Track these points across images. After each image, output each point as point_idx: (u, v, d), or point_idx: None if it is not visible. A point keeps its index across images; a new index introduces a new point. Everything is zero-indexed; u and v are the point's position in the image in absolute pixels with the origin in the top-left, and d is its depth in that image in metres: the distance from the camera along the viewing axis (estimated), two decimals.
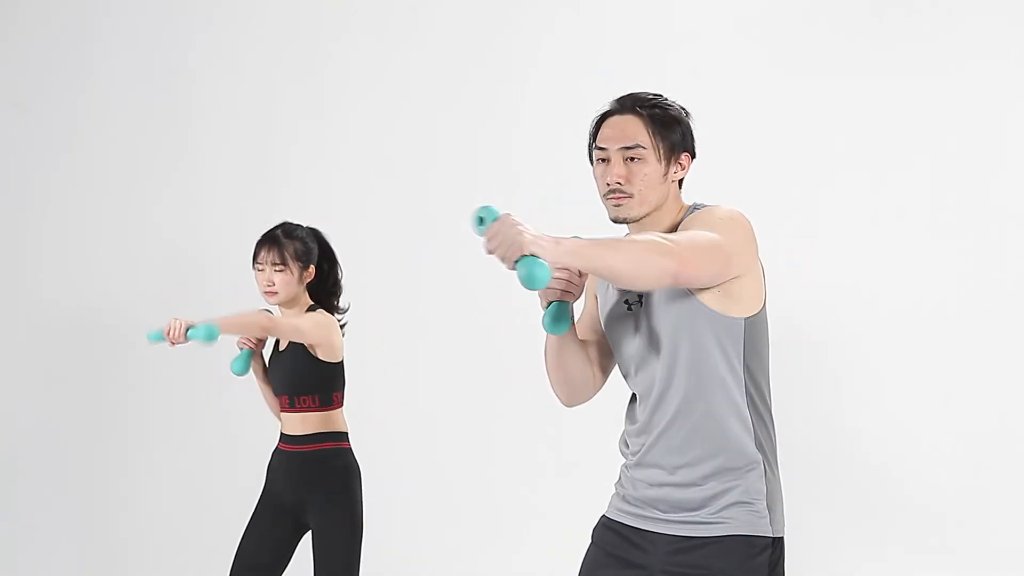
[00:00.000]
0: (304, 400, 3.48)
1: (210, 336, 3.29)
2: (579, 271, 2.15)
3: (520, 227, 1.97)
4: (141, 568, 4.97)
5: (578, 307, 2.42)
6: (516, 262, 1.96)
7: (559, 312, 2.23)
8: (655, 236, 2.11)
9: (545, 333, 2.36)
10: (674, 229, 2.31)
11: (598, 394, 2.96)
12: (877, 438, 4.24)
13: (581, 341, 2.44)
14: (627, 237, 2.16)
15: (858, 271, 4.26)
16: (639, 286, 2.14)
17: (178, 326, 3.25)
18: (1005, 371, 4.13)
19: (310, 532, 3.52)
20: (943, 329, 4.18)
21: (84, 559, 5.03)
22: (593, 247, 2.02)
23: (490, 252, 1.99)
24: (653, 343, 2.29)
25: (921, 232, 4.22)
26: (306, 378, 3.50)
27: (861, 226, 4.27)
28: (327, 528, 3.45)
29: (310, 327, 3.44)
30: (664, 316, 2.26)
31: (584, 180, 3.20)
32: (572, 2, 4.67)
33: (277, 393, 3.56)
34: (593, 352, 2.46)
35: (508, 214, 1.99)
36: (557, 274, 2.16)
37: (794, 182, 4.32)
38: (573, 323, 2.35)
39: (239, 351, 3.55)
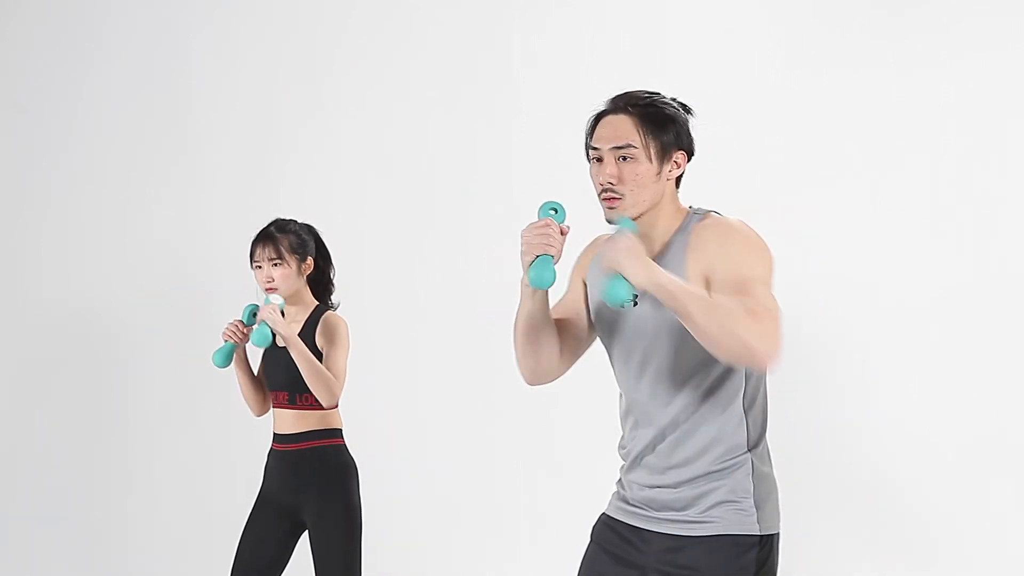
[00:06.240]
0: (307, 397, 3.42)
1: (263, 339, 3.34)
2: (561, 229, 2.21)
3: (636, 249, 2.11)
4: (140, 568, 4.97)
5: (558, 293, 2.40)
6: (610, 275, 2.12)
7: (544, 264, 2.19)
8: (745, 306, 2.08)
9: (516, 309, 2.33)
10: (671, 233, 2.30)
11: (596, 394, 2.95)
12: (877, 435, 4.23)
13: (555, 320, 2.40)
14: (724, 298, 2.12)
15: (858, 266, 4.25)
16: (713, 350, 2.10)
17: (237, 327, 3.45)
18: (1004, 368, 4.12)
19: (308, 532, 3.46)
20: (943, 326, 4.18)
21: (83, 559, 5.02)
22: (685, 293, 2.08)
23: (607, 254, 2.14)
24: (655, 343, 2.28)
25: (922, 227, 4.21)
26: None
27: (861, 222, 4.26)
28: (324, 528, 3.39)
29: (344, 361, 3.45)
30: (669, 317, 2.21)
31: (582, 180, 3.21)
32: (571, 2, 4.67)
33: (274, 389, 3.50)
34: (564, 333, 2.42)
35: (634, 236, 2.16)
36: (538, 230, 2.19)
37: (793, 179, 4.32)
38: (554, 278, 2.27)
39: (223, 343, 3.47)
